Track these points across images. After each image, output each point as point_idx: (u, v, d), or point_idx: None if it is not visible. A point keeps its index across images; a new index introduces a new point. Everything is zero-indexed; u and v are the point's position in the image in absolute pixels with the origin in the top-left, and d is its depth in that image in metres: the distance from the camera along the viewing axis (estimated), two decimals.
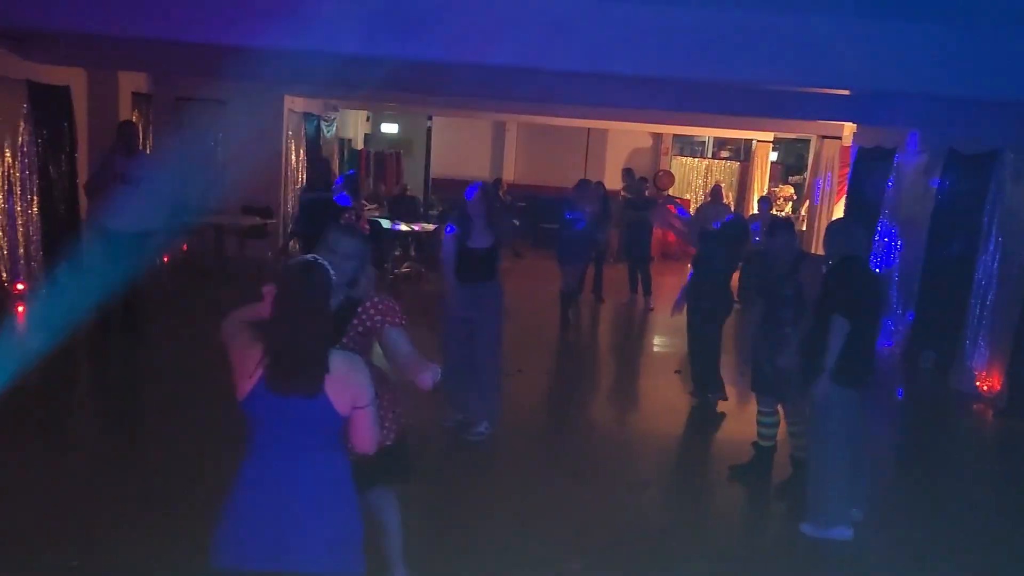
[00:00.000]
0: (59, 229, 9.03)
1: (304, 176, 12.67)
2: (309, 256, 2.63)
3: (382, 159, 17.09)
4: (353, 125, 17.01)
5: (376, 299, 3.27)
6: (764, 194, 15.06)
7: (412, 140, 18.42)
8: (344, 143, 16.19)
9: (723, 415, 6.74)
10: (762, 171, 17.59)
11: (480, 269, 5.73)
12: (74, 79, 9.34)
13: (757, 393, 5.40)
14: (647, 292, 10.91)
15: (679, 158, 19.25)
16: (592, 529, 4.60)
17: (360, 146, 17.36)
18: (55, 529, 4.15)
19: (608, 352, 9.30)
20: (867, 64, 4.83)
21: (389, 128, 17.93)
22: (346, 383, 2.51)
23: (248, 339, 2.51)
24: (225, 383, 2.57)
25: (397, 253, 12.00)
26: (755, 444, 5.46)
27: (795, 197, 16.63)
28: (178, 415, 5.84)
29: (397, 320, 3.26)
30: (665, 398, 7.32)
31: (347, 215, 3.24)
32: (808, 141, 15.87)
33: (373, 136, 18.15)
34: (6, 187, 8.32)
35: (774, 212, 12.42)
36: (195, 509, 3.74)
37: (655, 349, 9.69)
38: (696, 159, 19.66)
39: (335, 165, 15.35)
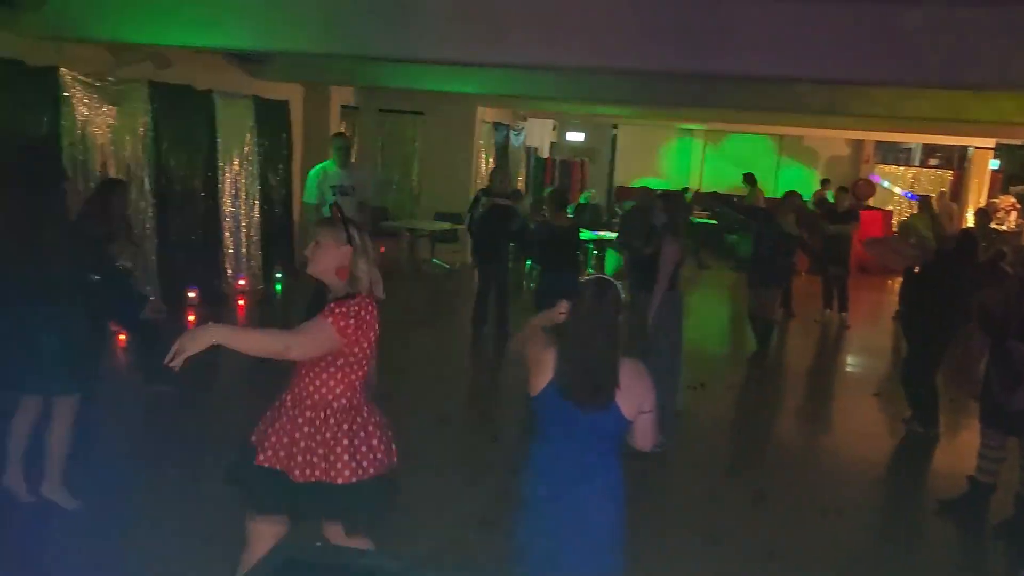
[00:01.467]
0: (275, 232, 9.90)
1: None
2: (602, 275, 2.66)
3: (567, 167, 17.33)
4: (539, 134, 17.34)
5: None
6: (982, 206, 13.77)
7: (597, 148, 18.52)
8: (531, 151, 16.55)
9: (930, 444, 6.23)
10: (980, 180, 16.09)
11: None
12: (292, 94, 10.19)
13: (984, 426, 4.92)
14: (843, 308, 10.27)
15: (881, 166, 18.02)
16: (784, 553, 4.38)
17: (546, 155, 17.68)
18: None
19: (798, 370, 8.83)
20: None
21: (575, 136, 18.12)
22: (633, 390, 2.57)
23: (544, 341, 2.63)
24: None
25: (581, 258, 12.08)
26: (971, 479, 4.98)
27: (1018, 207, 15.07)
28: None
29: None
30: (861, 422, 6.86)
31: (333, 208, 2.93)
32: None
33: (558, 144, 18.42)
34: (233, 192, 9.23)
35: (994, 226, 11.31)
36: None
37: (850, 369, 9.11)
38: (901, 167, 18.33)
39: (522, 172, 15.73)
